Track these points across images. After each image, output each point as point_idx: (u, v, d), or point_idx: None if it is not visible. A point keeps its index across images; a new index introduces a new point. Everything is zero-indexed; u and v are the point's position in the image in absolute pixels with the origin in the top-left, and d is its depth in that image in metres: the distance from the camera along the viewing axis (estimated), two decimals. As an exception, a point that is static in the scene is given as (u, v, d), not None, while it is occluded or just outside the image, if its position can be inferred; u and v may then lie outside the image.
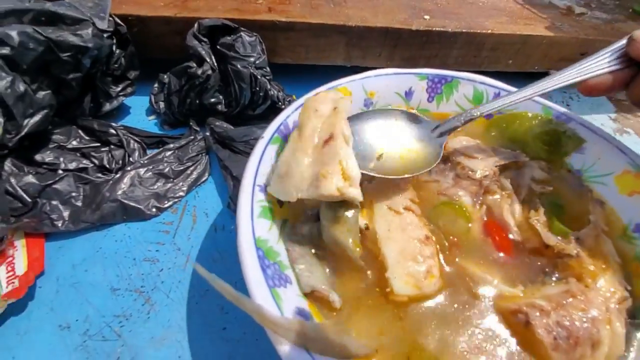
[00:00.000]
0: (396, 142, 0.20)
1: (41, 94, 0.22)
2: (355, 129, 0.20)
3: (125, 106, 0.32)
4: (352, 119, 0.20)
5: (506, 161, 0.21)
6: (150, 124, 0.31)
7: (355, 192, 0.16)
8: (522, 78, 0.38)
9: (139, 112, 0.32)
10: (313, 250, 0.17)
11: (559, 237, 0.18)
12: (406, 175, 0.19)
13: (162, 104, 0.31)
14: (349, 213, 0.17)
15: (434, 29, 0.32)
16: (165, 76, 0.30)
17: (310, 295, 0.16)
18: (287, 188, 0.16)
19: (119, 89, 0.29)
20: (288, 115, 0.21)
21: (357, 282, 0.17)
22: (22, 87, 0.21)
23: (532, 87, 0.20)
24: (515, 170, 0.22)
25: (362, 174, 0.17)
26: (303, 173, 0.16)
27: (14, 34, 0.20)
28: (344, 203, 0.17)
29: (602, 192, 0.21)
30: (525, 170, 0.22)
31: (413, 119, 0.21)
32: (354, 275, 0.17)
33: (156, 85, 0.31)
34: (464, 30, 0.32)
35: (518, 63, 0.36)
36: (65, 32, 0.22)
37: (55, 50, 0.22)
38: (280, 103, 0.30)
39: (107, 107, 0.29)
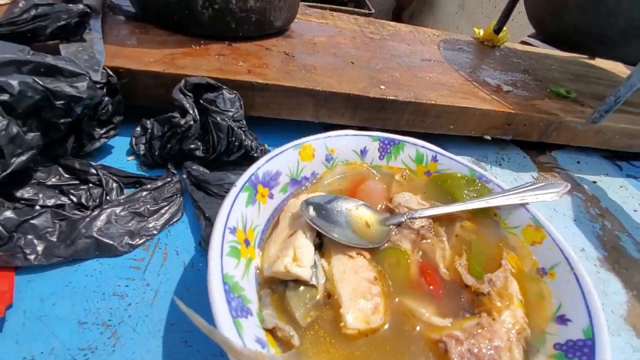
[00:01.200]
0: (355, 220, 0.24)
1: (30, 135, 0.24)
2: (327, 206, 0.24)
3: (107, 146, 0.34)
4: (321, 197, 0.24)
5: (442, 212, 0.26)
6: (129, 164, 0.34)
7: (299, 271, 0.20)
8: (463, 140, 0.45)
9: (119, 152, 0.35)
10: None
11: (475, 278, 0.22)
12: (358, 246, 0.23)
13: (142, 147, 0.33)
14: (302, 288, 0.21)
15: (387, 97, 0.38)
16: (149, 122, 0.33)
17: (271, 330, 0.19)
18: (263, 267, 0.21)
19: (102, 131, 0.31)
20: (258, 167, 0.24)
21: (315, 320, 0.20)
22: (15, 129, 0.23)
23: (458, 205, 0.25)
24: (448, 220, 0.26)
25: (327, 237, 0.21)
26: (271, 257, 0.21)
27: (15, 83, 0.22)
28: (300, 281, 0.20)
29: (513, 241, 0.25)
30: (456, 221, 0.26)
31: (370, 208, 0.25)
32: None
33: (138, 128, 0.34)
34: (412, 100, 0.39)
35: (458, 128, 0.43)
36: (62, 83, 0.25)
37: (51, 99, 0.24)
38: (253, 151, 0.33)
39: (90, 147, 0.31)
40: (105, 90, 0.29)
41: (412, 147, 0.31)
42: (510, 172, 0.43)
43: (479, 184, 0.28)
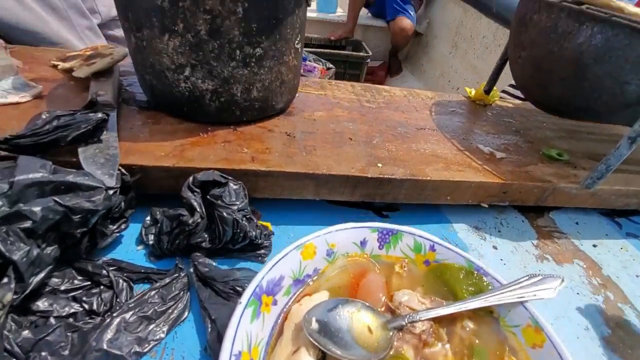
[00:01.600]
0: (358, 326, 0.25)
1: (48, 249, 0.26)
2: (329, 314, 0.24)
3: (118, 237, 0.36)
4: (323, 305, 0.25)
5: (442, 314, 0.26)
6: (138, 255, 0.35)
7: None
8: (461, 206, 0.46)
9: (129, 241, 0.36)
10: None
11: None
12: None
13: (151, 236, 0.35)
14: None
15: (385, 176, 0.40)
16: (159, 213, 0.35)
17: None
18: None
19: (114, 227, 0.33)
20: (262, 277, 0.25)
21: None
22: (35, 252, 0.24)
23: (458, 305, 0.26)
24: (449, 320, 0.27)
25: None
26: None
27: (37, 209, 0.24)
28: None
29: (513, 342, 0.26)
30: (457, 320, 0.27)
31: (371, 310, 0.26)
32: None
33: (148, 218, 0.36)
34: (409, 178, 0.41)
35: (455, 199, 0.44)
36: (80, 200, 0.27)
37: (70, 215, 0.26)
38: (257, 239, 0.35)
39: (102, 244, 0.32)
40: (119, 193, 0.31)
41: (410, 237, 0.32)
42: (509, 241, 0.44)
43: (477, 277, 0.29)
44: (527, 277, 0.29)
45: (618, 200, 0.50)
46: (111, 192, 0.30)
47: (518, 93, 0.86)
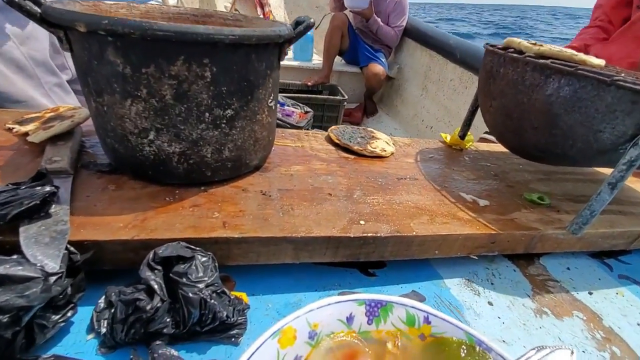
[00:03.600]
0: None
1: (-35, 362, 0.21)
2: None
3: (63, 325, 0.31)
4: None
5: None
6: (88, 346, 0.30)
7: None
8: (450, 258, 0.44)
9: (78, 329, 0.31)
10: None
11: None
12: None
13: (104, 323, 0.30)
14: None
15: (368, 234, 0.37)
16: (114, 294, 0.30)
17: None
18: None
19: (58, 317, 0.28)
20: (232, 380, 0.21)
21: None
22: (-57, 370, 0.19)
23: None
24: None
25: None
26: None
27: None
28: None
29: None
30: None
31: None
32: None
33: (102, 300, 0.31)
34: (394, 235, 0.38)
35: (443, 252, 0.42)
36: (10, 295, 0.22)
37: (-5, 316, 0.22)
38: (229, 319, 0.31)
39: (42, 339, 0.27)
40: (64, 279, 0.27)
41: (402, 308, 0.29)
42: (504, 295, 0.41)
43: (480, 353, 0.26)
44: (535, 350, 0.26)
45: (605, 242, 0.49)
46: (53, 279, 0.25)
47: (494, 139, 0.89)
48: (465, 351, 0.26)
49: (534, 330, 0.38)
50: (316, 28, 2.73)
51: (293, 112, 1.95)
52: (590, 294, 0.44)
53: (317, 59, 2.60)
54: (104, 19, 0.27)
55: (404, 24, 2.38)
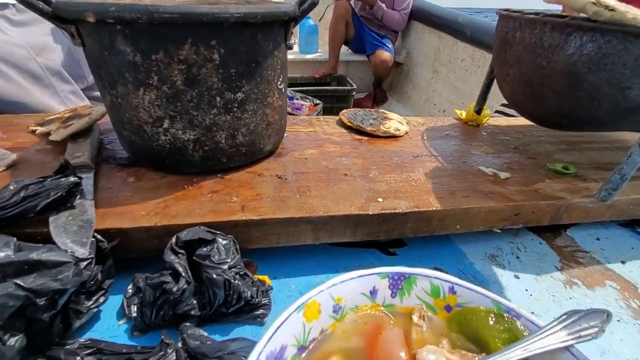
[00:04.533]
0: None
1: (12, 340, 0.22)
2: None
3: (96, 312, 0.32)
4: None
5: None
6: (120, 331, 0.31)
7: None
8: (472, 233, 0.43)
9: (110, 316, 0.32)
10: None
11: None
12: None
13: (134, 308, 0.31)
14: None
15: (387, 211, 0.37)
16: (141, 280, 0.31)
17: None
18: None
19: (91, 303, 0.29)
20: (260, 351, 0.21)
21: None
22: (-11, 349, 0.20)
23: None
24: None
25: None
26: None
27: (-7, 298, 0.21)
28: None
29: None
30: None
31: None
32: None
33: (130, 287, 0.32)
34: (413, 210, 0.38)
35: (465, 227, 0.41)
36: (46, 279, 0.23)
37: (33, 299, 0.23)
38: (254, 299, 0.31)
39: (77, 324, 0.28)
40: (93, 264, 0.28)
41: (426, 280, 0.28)
42: (531, 268, 0.40)
43: (509, 321, 0.25)
44: (566, 315, 0.25)
45: (637, 210, 0.47)
46: (83, 264, 0.26)
47: (511, 111, 0.86)
48: (493, 319, 0.25)
49: (564, 301, 0.37)
50: (320, 19, 2.70)
51: (302, 105, 1.94)
52: (624, 263, 0.42)
53: (323, 51, 2.58)
54: (111, 6, 0.27)
55: (410, 6, 2.32)
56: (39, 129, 0.45)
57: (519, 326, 0.25)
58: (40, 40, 0.67)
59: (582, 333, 0.23)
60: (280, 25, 0.36)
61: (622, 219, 0.48)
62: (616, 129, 0.45)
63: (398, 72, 2.67)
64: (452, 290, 0.27)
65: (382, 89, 2.62)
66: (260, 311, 0.32)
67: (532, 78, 0.45)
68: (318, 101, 2.00)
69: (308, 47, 2.53)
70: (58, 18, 0.32)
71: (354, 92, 2.19)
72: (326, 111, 2.08)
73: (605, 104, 0.39)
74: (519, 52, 0.46)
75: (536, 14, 0.42)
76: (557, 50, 0.40)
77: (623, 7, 0.35)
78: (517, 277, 0.39)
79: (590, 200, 0.43)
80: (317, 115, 1.93)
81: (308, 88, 2.10)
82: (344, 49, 2.49)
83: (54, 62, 0.70)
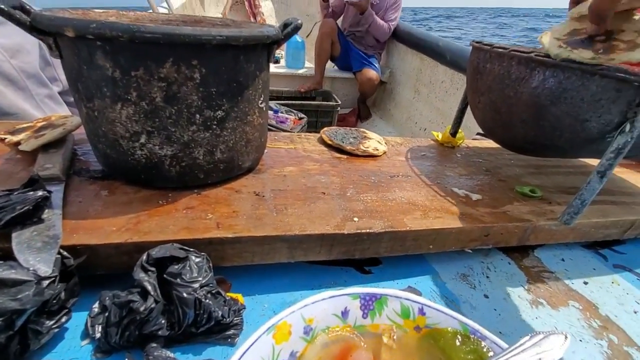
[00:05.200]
0: None
1: (-44, 367, 0.21)
2: None
3: (58, 331, 0.30)
4: None
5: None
6: (83, 352, 0.29)
7: None
8: (445, 253, 0.44)
9: (73, 335, 0.30)
10: None
11: None
12: None
13: (98, 328, 0.30)
14: None
15: (362, 231, 0.38)
16: (107, 299, 0.30)
17: None
18: None
19: (52, 322, 0.28)
20: (227, 375, 0.21)
21: None
22: None
23: None
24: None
25: None
26: None
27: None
28: None
29: (527, 422, 0.22)
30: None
31: None
32: None
33: (96, 305, 0.31)
34: (387, 230, 0.38)
35: (437, 247, 0.42)
36: (4, 298, 0.22)
37: (-13, 320, 0.22)
38: (225, 319, 0.30)
39: (36, 345, 0.27)
40: (57, 283, 0.27)
41: (396, 301, 0.29)
42: (500, 288, 0.41)
43: (474, 342, 0.26)
44: (528, 338, 0.26)
45: (598, 232, 0.49)
46: (45, 283, 0.25)
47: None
48: (460, 340, 0.26)
49: (531, 321, 0.38)
50: (307, 36, 2.76)
51: (287, 118, 1.96)
52: (586, 283, 0.44)
53: (309, 66, 2.63)
54: (92, 23, 0.27)
55: (397, 19, 2.41)
56: (8, 138, 0.44)
57: (483, 348, 0.26)
58: (15, 42, 0.65)
59: (543, 356, 0.24)
60: (262, 48, 0.37)
61: (585, 240, 0.51)
62: (577, 156, 0.48)
63: (382, 90, 2.75)
64: (422, 311, 0.28)
65: (366, 106, 2.68)
66: (232, 331, 0.31)
67: (501, 106, 0.48)
68: (303, 115, 2.02)
69: (294, 63, 2.57)
70: (36, 30, 0.31)
71: (339, 108, 2.24)
72: (310, 125, 2.10)
73: (567, 133, 0.41)
74: (489, 81, 0.49)
75: (504, 48, 0.45)
76: (523, 83, 0.43)
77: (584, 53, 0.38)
78: (486, 296, 0.40)
79: (554, 222, 0.46)
80: (301, 128, 1.95)
81: (293, 102, 2.13)
82: (330, 65, 2.54)
83: (29, 65, 0.68)
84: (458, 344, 0.26)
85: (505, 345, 0.26)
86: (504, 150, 0.67)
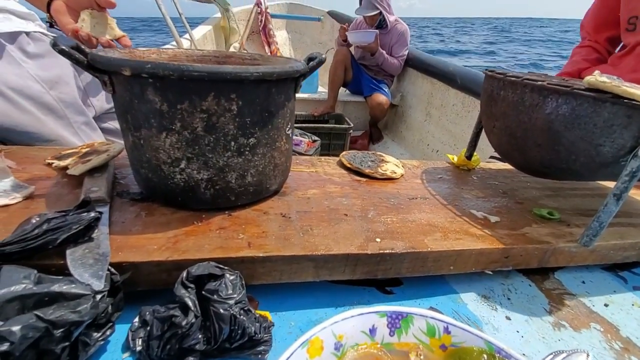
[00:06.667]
0: None
1: (23, 373, 0.23)
2: None
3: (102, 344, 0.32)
4: None
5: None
6: (123, 365, 0.31)
7: None
8: (466, 274, 0.45)
9: (114, 348, 0.32)
10: None
11: None
12: None
13: (138, 341, 0.32)
14: None
15: (385, 251, 0.39)
16: (148, 314, 0.32)
17: None
18: None
19: (99, 335, 0.30)
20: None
21: None
22: (9, 379, 0.21)
23: None
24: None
25: None
26: None
27: (17, 329, 0.22)
28: None
29: None
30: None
31: None
32: None
33: (136, 320, 0.33)
34: (409, 251, 0.40)
35: (458, 268, 0.43)
36: (65, 311, 0.25)
37: (51, 330, 0.24)
38: (256, 334, 0.32)
39: (84, 357, 0.29)
40: (107, 298, 0.29)
41: (422, 320, 0.30)
42: (521, 310, 0.42)
43: (500, 361, 0.27)
44: (552, 355, 0.27)
45: (617, 255, 0.50)
46: (99, 297, 0.28)
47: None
48: (486, 359, 0.27)
49: (553, 343, 0.38)
50: (320, 61, 2.86)
51: (301, 141, 2.01)
52: (607, 305, 0.44)
53: (322, 90, 2.71)
54: (147, 64, 0.31)
55: (407, 52, 2.49)
56: (56, 162, 0.48)
57: (509, 367, 0.26)
58: (54, 74, 0.71)
59: (568, 374, 0.25)
60: (291, 81, 0.40)
61: (605, 263, 0.51)
62: (593, 179, 0.49)
63: (393, 113, 2.80)
64: (447, 330, 0.29)
65: (377, 128, 2.73)
66: (262, 347, 0.33)
67: (516, 131, 0.50)
68: (316, 138, 2.07)
69: (308, 87, 2.66)
70: (93, 68, 0.36)
71: (351, 130, 2.28)
72: (323, 147, 2.14)
73: (582, 158, 0.43)
74: (504, 107, 0.51)
75: (517, 76, 0.48)
76: (537, 109, 0.45)
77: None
78: (508, 318, 0.40)
79: (574, 245, 0.46)
80: (315, 151, 1.99)
81: (307, 125, 2.19)
82: (342, 90, 2.62)
83: (68, 95, 0.73)
84: (484, 362, 0.27)
85: (530, 365, 0.27)
86: (519, 173, 0.68)
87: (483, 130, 0.62)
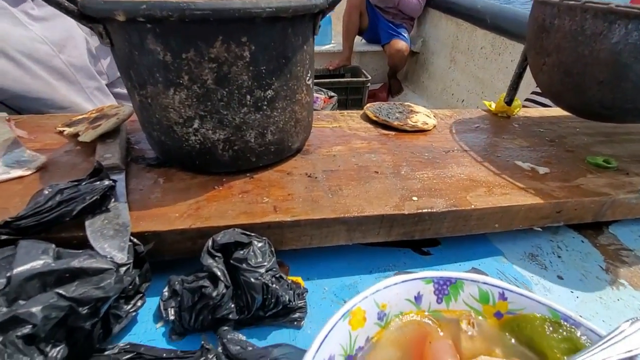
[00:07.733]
0: None
1: (54, 351, 0.22)
2: None
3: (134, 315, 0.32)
4: None
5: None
6: (158, 334, 0.30)
7: None
8: (509, 233, 0.41)
9: (147, 318, 0.32)
10: None
11: None
12: None
13: (171, 311, 0.30)
14: None
15: (424, 210, 0.36)
16: (177, 283, 0.31)
17: None
18: None
19: (129, 307, 0.29)
20: (310, 363, 0.21)
21: None
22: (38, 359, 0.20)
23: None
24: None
25: None
26: None
27: (37, 310, 0.21)
28: None
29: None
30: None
31: None
32: None
33: (166, 290, 0.32)
34: (450, 209, 0.36)
35: (504, 225, 0.39)
36: (88, 287, 0.23)
37: (76, 308, 0.22)
38: (291, 302, 0.30)
39: (117, 328, 0.28)
40: (132, 270, 0.27)
41: (473, 285, 0.27)
42: (574, 268, 0.38)
43: (567, 329, 0.24)
44: (629, 323, 0.23)
45: (685, 205, 0.44)
46: (123, 270, 0.26)
47: (544, 100, 0.82)
48: (550, 328, 0.24)
49: (612, 303, 0.35)
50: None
51: (317, 97, 1.92)
52: (672, 261, 0.40)
53: (336, 42, 2.53)
54: (142, 4, 0.26)
55: None
56: (67, 130, 0.45)
57: (578, 335, 0.23)
58: (62, 37, 0.67)
59: (650, 344, 0.22)
60: (309, 19, 0.35)
61: (668, 215, 0.45)
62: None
63: (413, 62, 2.61)
64: (503, 297, 0.26)
65: (397, 79, 2.56)
66: (297, 314, 0.31)
67: (573, 67, 0.42)
68: (333, 94, 1.97)
69: (321, 39, 2.49)
70: (85, 17, 0.31)
71: (369, 84, 2.16)
72: (340, 103, 2.05)
73: (657, 93, 0.36)
74: (558, 39, 0.43)
75: (576, 0, 0.40)
76: (600, 39, 0.37)
77: None
78: (560, 277, 0.37)
79: (635, 196, 0.41)
80: (332, 107, 1.91)
81: (322, 80, 2.08)
82: (358, 39, 2.44)
83: (78, 59, 0.69)
84: (548, 332, 0.24)
85: (602, 332, 0.23)
86: (567, 117, 0.61)
87: (527, 70, 0.55)
